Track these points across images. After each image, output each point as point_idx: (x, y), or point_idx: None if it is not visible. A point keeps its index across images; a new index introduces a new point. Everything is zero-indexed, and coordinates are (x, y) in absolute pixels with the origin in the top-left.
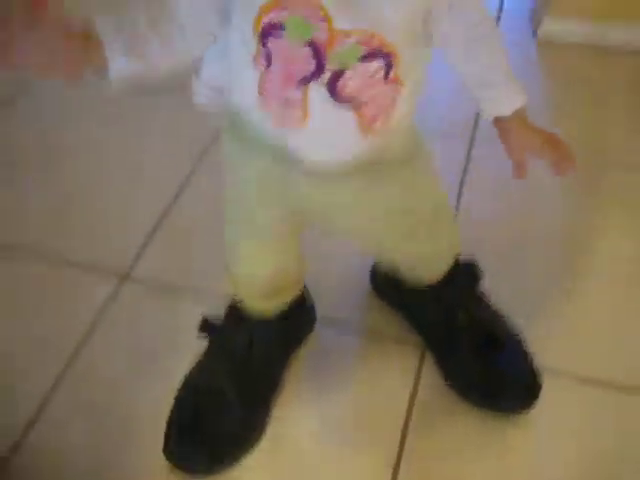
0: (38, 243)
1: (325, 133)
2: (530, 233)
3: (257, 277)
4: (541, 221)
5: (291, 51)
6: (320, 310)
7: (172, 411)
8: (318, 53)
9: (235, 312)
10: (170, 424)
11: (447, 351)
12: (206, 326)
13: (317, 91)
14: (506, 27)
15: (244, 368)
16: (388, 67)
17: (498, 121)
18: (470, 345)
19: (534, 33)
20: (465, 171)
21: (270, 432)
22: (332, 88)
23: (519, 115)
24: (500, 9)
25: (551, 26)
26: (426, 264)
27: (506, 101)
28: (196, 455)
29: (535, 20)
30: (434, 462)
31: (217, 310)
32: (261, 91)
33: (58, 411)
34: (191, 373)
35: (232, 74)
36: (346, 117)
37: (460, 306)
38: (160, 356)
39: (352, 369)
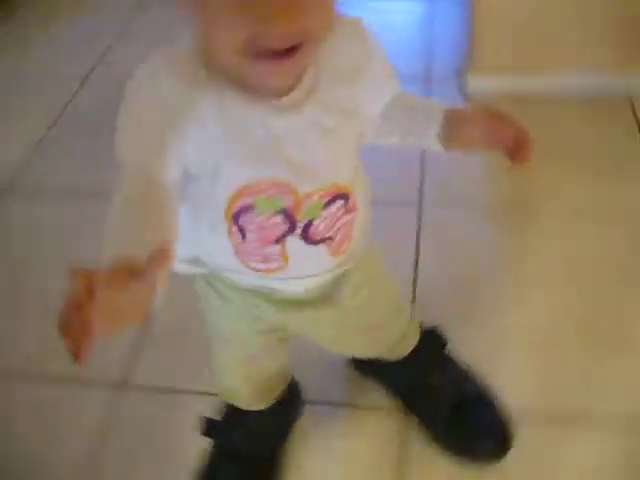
0: (30, 366)
1: (302, 270)
2: (487, 290)
3: (243, 392)
4: (496, 276)
5: (264, 222)
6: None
7: None
8: (289, 217)
9: (231, 408)
10: None
11: (425, 412)
12: (206, 426)
13: (293, 241)
14: (435, 86)
15: (247, 462)
16: (346, 201)
17: (446, 138)
18: (444, 404)
19: (461, 89)
20: (419, 236)
21: None
22: (305, 236)
23: (458, 116)
24: (428, 70)
25: (475, 82)
26: (393, 350)
27: (434, 115)
28: None
29: (461, 78)
30: None
31: (215, 405)
32: (238, 256)
33: None
34: (199, 475)
35: (204, 246)
36: (320, 251)
37: (431, 371)
38: (166, 459)
39: (341, 441)
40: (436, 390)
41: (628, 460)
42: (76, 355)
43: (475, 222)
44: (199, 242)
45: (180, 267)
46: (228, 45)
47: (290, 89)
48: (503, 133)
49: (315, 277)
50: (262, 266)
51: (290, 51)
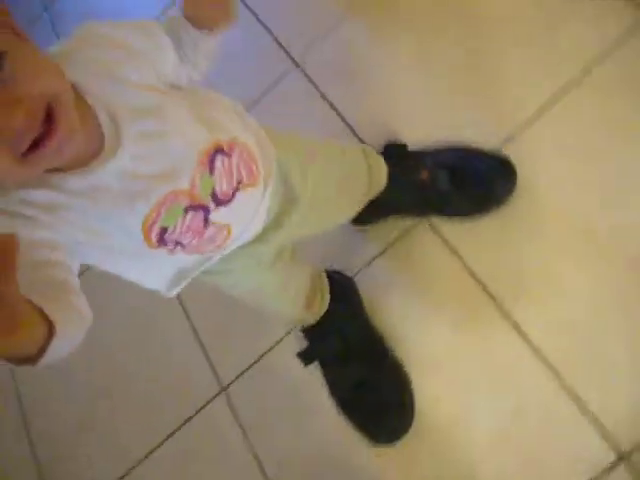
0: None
1: (247, 216)
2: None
3: (303, 312)
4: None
5: (183, 226)
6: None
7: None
8: (195, 207)
9: (308, 330)
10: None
11: (435, 203)
12: (304, 357)
13: (217, 214)
14: None
15: (351, 350)
16: (222, 151)
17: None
18: (444, 185)
19: None
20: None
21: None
22: (221, 202)
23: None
24: None
25: None
26: (374, 188)
27: (184, 28)
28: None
29: None
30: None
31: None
32: (194, 254)
33: None
34: (332, 389)
35: (165, 269)
36: (244, 195)
37: (415, 172)
38: (303, 400)
39: (404, 277)
40: (429, 181)
41: None
42: None
43: (352, 38)
44: (160, 270)
45: (174, 292)
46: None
47: (98, 141)
48: None
49: (261, 205)
50: (214, 245)
51: (42, 138)
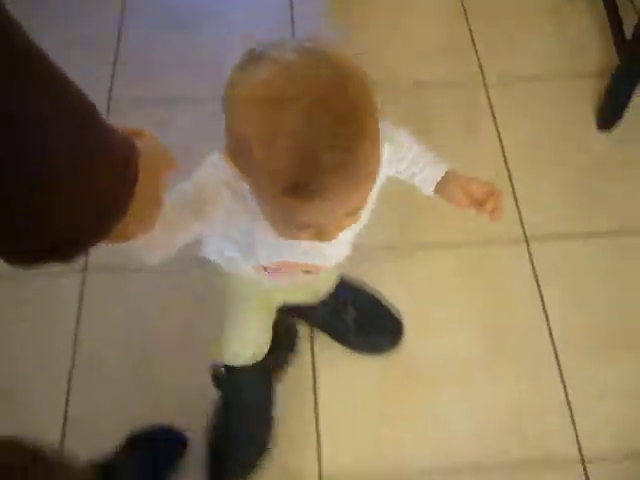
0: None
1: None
2: None
3: (252, 352)
4: None
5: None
6: None
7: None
8: (308, 272)
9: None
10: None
11: (337, 330)
12: (219, 378)
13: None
14: None
15: (246, 408)
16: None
17: (437, 191)
18: (351, 321)
19: None
20: None
21: None
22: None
23: (449, 178)
24: None
25: None
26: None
27: (431, 175)
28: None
29: None
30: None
31: None
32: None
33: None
34: (214, 421)
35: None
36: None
37: (347, 300)
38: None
39: None
40: (340, 309)
41: None
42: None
43: None
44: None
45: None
46: (280, 227)
47: None
48: (476, 195)
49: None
50: (280, 277)
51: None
